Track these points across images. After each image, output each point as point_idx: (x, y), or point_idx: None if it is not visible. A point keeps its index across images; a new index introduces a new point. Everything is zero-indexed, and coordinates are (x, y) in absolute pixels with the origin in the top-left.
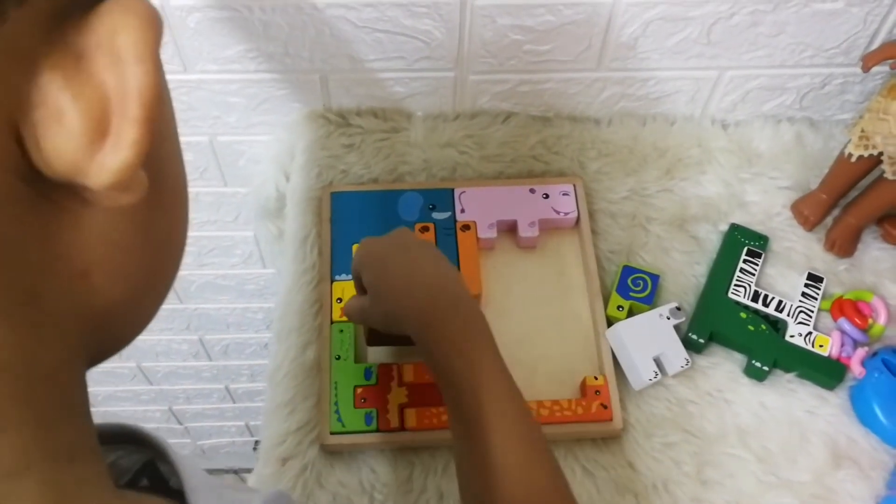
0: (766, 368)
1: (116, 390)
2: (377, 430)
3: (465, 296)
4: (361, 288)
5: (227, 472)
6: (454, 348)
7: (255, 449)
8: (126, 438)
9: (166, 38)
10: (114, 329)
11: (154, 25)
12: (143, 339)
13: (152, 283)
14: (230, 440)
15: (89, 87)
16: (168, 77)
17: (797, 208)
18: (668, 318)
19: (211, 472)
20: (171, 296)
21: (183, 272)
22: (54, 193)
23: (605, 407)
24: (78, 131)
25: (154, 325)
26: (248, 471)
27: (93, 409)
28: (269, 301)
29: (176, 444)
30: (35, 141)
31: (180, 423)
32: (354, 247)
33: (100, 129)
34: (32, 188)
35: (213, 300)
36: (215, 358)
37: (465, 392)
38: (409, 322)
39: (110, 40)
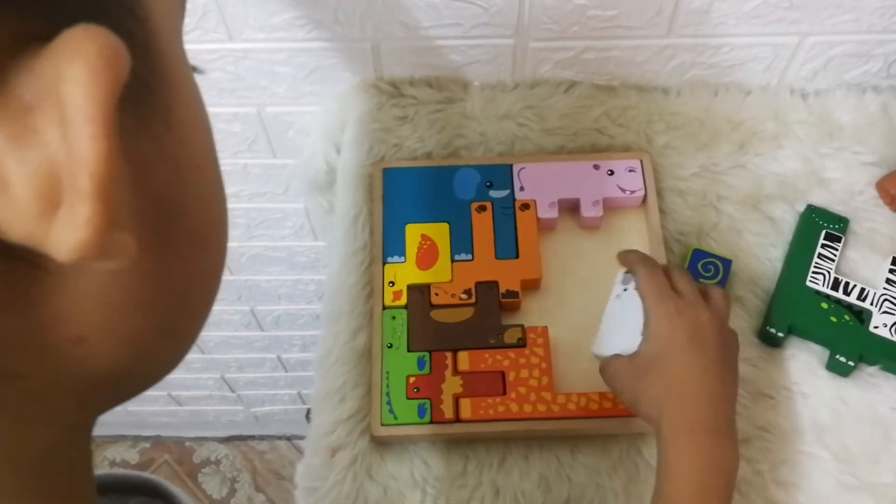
0: (851, 363)
1: None
2: (431, 422)
3: (730, 429)
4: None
5: (279, 438)
6: (692, 478)
7: (307, 417)
8: (145, 489)
9: (210, 6)
10: (124, 386)
11: (104, 75)
12: None
13: (169, 336)
14: (283, 408)
15: (35, 149)
16: (212, 46)
17: (883, 186)
18: (626, 290)
19: (264, 438)
20: None
21: (233, 244)
22: (30, 256)
23: None
24: (26, 203)
25: None
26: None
27: None
28: (320, 273)
29: (229, 411)
30: None
31: (233, 391)
32: (406, 227)
33: (51, 200)
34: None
35: (264, 272)
36: (267, 328)
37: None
38: (663, 427)
39: (56, 90)
